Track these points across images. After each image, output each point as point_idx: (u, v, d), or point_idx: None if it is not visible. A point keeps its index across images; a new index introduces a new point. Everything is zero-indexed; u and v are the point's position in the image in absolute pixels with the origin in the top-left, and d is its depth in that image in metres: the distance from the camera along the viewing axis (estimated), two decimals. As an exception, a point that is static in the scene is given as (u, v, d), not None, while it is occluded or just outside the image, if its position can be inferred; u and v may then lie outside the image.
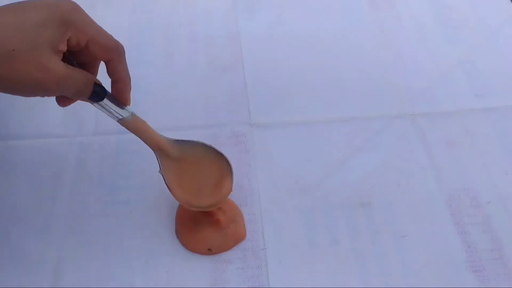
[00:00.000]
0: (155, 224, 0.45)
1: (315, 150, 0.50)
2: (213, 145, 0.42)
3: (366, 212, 0.46)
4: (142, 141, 0.41)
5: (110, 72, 0.39)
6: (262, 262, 0.43)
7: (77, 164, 0.48)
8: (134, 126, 0.40)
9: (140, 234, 0.44)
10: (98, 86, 0.37)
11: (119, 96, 0.39)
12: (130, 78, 0.39)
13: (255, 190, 0.47)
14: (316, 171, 0.48)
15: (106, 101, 0.38)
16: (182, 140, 0.42)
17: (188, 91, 0.55)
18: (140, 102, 0.53)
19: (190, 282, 0.41)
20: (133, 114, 0.40)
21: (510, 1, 0.66)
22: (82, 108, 0.52)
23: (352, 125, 0.52)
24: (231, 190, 0.42)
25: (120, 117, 0.39)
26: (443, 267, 0.42)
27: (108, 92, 0.38)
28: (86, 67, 0.38)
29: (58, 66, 0.34)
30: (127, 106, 0.40)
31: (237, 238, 0.44)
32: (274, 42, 0.60)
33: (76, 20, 0.35)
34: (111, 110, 0.38)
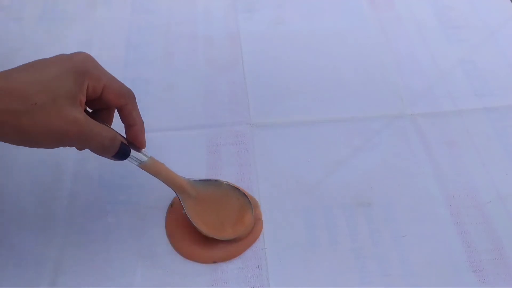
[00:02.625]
0: (155, 224, 0.45)
1: (315, 150, 0.50)
2: (230, 182, 0.45)
3: (366, 212, 0.46)
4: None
5: (124, 118, 0.40)
6: (262, 262, 0.43)
7: (77, 164, 0.48)
8: (154, 169, 0.41)
9: (140, 234, 0.44)
10: (125, 145, 0.39)
11: (134, 140, 0.40)
12: (143, 122, 0.41)
13: (255, 190, 0.47)
14: (316, 171, 0.48)
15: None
16: (199, 180, 0.44)
17: (188, 91, 0.55)
18: (140, 102, 0.53)
19: (190, 282, 0.41)
20: (151, 158, 0.41)
21: (510, 1, 0.66)
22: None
23: (352, 125, 0.52)
24: (253, 224, 0.44)
25: (140, 161, 0.40)
26: (443, 267, 0.42)
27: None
28: (102, 115, 0.40)
29: (80, 116, 0.35)
30: (144, 150, 0.41)
31: (252, 240, 0.44)
32: (274, 42, 0.60)
33: (91, 69, 0.36)
34: (132, 156, 0.40)
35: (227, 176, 0.48)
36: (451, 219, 0.45)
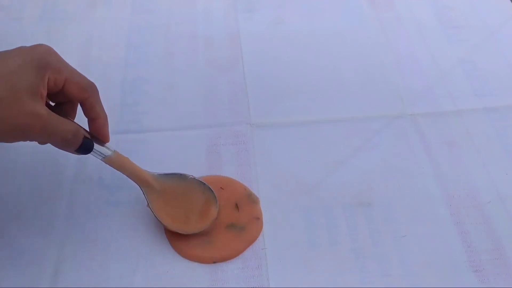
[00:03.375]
0: (155, 224, 0.45)
1: (315, 150, 0.50)
2: (195, 177, 0.44)
3: (366, 212, 0.46)
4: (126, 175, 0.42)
5: (86, 111, 0.39)
6: (262, 262, 0.43)
7: (77, 164, 0.48)
8: (118, 163, 0.41)
9: (140, 234, 0.44)
10: (87, 139, 0.38)
11: (98, 133, 0.40)
12: (106, 116, 0.40)
13: (255, 190, 0.47)
14: (316, 171, 0.48)
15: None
16: (164, 174, 0.44)
17: (188, 91, 0.55)
18: (140, 102, 0.53)
19: (190, 282, 0.41)
20: (115, 152, 0.41)
21: (510, 1, 0.66)
22: (82, 108, 0.53)
23: (352, 125, 0.52)
24: (216, 216, 0.44)
25: (104, 155, 0.40)
26: (443, 267, 0.42)
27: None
28: (65, 108, 0.39)
29: (41, 110, 0.34)
30: (108, 144, 0.41)
31: (251, 240, 0.44)
32: (274, 42, 0.60)
33: (52, 62, 0.35)
34: (95, 150, 0.39)
35: (227, 176, 0.48)
36: (451, 219, 0.45)
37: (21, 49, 0.35)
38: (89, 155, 0.39)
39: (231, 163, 0.49)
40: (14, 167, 0.48)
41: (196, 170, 0.48)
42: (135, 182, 0.43)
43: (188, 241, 0.43)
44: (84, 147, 0.38)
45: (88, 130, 0.40)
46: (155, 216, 0.43)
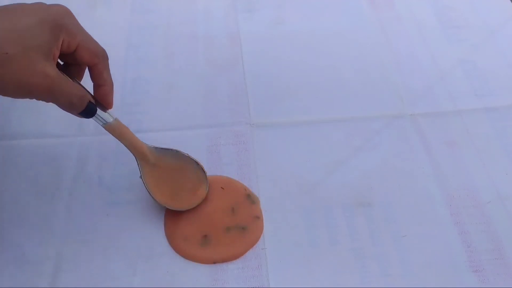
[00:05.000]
0: (155, 224, 0.45)
1: (315, 150, 0.50)
2: (190, 155, 0.45)
3: (366, 212, 0.46)
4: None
5: (94, 77, 0.39)
6: (262, 262, 0.43)
7: (77, 164, 0.48)
8: (119, 131, 0.42)
9: (140, 234, 0.44)
10: (91, 104, 0.38)
11: (102, 100, 0.40)
12: (112, 83, 0.41)
13: (255, 190, 0.47)
14: (316, 171, 0.48)
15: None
16: (161, 148, 0.45)
17: (188, 91, 0.55)
18: (140, 102, 0.53)
19: (190, 282, 0.41)
20: (116, 120, 0.41)
21: (510, 1, 0.66)
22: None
23: (352, 125, 0.52)
24: (205, 195, 0.45)
25: (105, 122, 0.40)
26: (443, 267, 0.42)
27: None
28: (73, 70, 0.39)
29: (51, 71, 0.34)
30: (110, 111, 0.41)
31: (253, 241, 0.44)
32: (274, 42, 0.60)
33: (68, 24, 0.35)
34: (98, 116, 0.39)
35: (227, 176, 0.48)
36: (451, 219, 0.45)
37: (39, 6, 0.35)
38: (91, 120, 0.39)
39: (231, 163, 0.49)
40: (14, 167, 0.48)
41: (196, 170, 0.48)
42: (132, 153, 0.43)
43: (189, 241, 0.43)
44: (87, 111, 0.38)
45: (92, 94, 0.40)
46: (146, 189, 0.44)
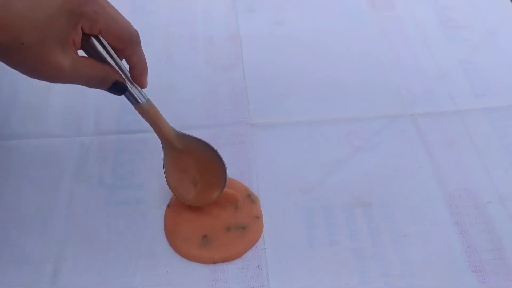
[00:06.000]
0: (154, 224, 0.45)
1: (315, 150, 0.50)
2: (218, 150, 0.43)
3: (366, 212, 0.46)
4: (149, 134, 0.42)
5: (125, 59, 0.39)
6: (262, 262, 0.43)
7: (77, 164, 0.48)
8: (150, 112, 0.41)
9: (140, 234, 0.44)
10: (118, 83, 0.38)
11: (135, 80, 0.40)
12: (146, 64, 0.40)
13: (255, 190, 0.47)
14: (316, 171, 0.48)
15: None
16: (189, 136, 0.43)
17: (188, 91, 0.55)
18: (140, 102, 0.53)
19: (190, 282, 0.41)
20: (149, 101, 0.41)
21: (510, 1, 0.66)
22: (82, 108, 0.53)
23: (352, 125, 0.52)
24: (214, 199, 0.44)
25: (137, 101, 0.40)
26: (443, 267, 0.42)
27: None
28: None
29: (65, 63, 0.34)
30: (144, 93, 0.40)
31: (253, 241, 0.44)
32: (274, 42, 0.60)
33: (87, 12, 0.35)
34: (128, 95, 0.39)
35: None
36: (451, 219, 0.45)
37: None
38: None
39: (231, 163, 0.49)
40: (14, 167, 0.48)
41: (196, 170, 0.48)
42: (158, 136, 0.43)
43: (189, 241, 0.43)
44: (115, 89, 0.38)
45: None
46: (164, 172, 0.43)
